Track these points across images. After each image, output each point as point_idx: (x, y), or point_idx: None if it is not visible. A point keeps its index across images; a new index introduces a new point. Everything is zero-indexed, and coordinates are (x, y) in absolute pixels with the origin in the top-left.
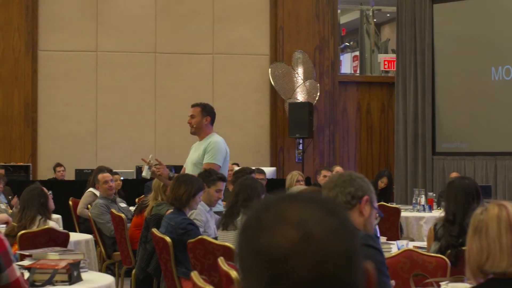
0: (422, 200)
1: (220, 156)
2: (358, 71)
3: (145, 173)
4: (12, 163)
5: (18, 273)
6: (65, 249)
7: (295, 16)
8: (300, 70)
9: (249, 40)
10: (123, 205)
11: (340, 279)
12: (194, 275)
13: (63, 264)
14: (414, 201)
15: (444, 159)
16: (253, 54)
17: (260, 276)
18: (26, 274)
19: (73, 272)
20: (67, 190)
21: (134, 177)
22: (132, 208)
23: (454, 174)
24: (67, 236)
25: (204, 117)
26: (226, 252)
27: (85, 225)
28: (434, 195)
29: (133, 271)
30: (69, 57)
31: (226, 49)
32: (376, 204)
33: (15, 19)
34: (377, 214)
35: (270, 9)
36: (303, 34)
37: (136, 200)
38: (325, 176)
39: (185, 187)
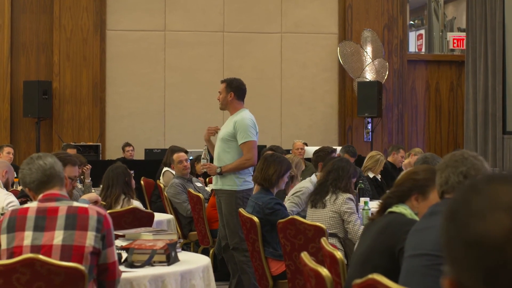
0: None
1: (251, 131)
2: (422, 50)
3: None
4: (81, 143)
5: (116, 257)
6: (158, 229)
7: None
8: (369, 49)
9: (318, 19)
10: (199, 184)
11: None
12: (305, 255)
13: (161, 244)
14: None
15: None
16: (322, 33)
17: (476, 267)
18: (124, 255)
19: (171, 253)
20: (137, 170)
21: None
22: (208, 188)
23: None
24: (152, 216)
25: (228, 93)
26: (317, 232)
27: (157, 204)
28: None
29: (211, 251)
30: (137, 37)
31: (294, 28)
32: None
33: None
34: None
35: None
36: (372, 12)
37: (207, 180)
38: (402, 157)
39: (275, 168)
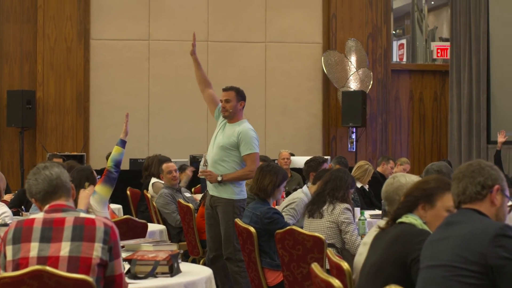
0: None
1: (255, 142)
2: (404, 59)
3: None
4: (66, 153)
5: (123, 269)
6: (158, 240)
7: (348, 3)
8: (353, 59)
9: (302, 28)
10: (187, 194)
11: None
12: (315, 266)
13: (163, 255)
14: None
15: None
16: (306, 42)
17: None
18: (127, 266)
19: (174, 264)
20: (121, 180)
21: None
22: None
23: None
24: (145, 227)
25: (239, 101)
26: (316, 242)
27: (144, 215)
28: None
29: (201, 261)
30: (121, 46)
31: (278, 37)
32: (508, 192)
33: (67, 8)
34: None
35: None
36: (356, 21)
37: (193, 190)
38: (392, 168)
39: (270, 178)
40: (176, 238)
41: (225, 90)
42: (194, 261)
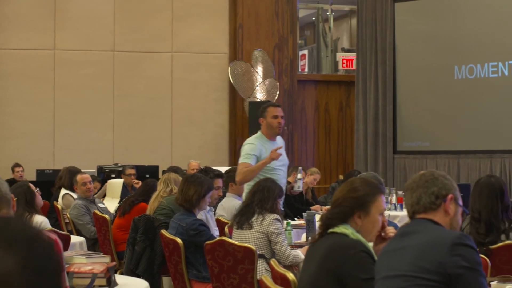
0: (393, 199)
1: None
2: (306, 70)
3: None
4: None
5: (67, 283)
6: (89, 252)
7: (254, 14)
8: (259, 69)
9: (209, 39)
10: (102, 205)
11: None
12: (265, 278)
13: (100, 268)
14: (385, 201)
15: (406, 158)
16: (213, 53)
17: None
18: None
19: (111, 276)
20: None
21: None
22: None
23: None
24: (68, 239)
25: None
26: (247, 253)
27: (54, 227)
28: (403, 193)
29: (118, 272)
30: (26, 56)
31: (185, 47)
32: (461, 201)
33: None
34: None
35: (230, 7)
36: (263, 32)
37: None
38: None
39: (195, 188)
40: (91, 250)
41: (278, 106)
42: None
